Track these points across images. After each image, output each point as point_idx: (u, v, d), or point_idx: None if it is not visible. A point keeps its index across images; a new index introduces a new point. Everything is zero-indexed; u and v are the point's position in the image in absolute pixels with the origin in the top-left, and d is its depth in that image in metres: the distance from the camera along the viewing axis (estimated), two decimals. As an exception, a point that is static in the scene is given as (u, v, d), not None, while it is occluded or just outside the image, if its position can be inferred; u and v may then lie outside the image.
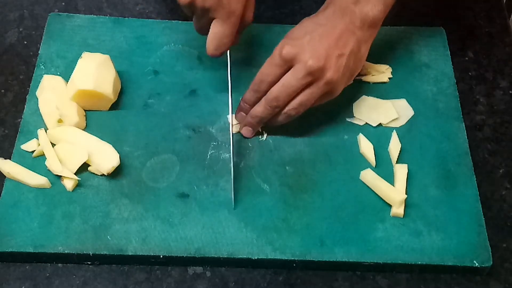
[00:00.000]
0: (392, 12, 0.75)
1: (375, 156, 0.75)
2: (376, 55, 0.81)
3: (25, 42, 0.85)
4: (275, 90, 0.71)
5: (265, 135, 0.76)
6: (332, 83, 0.71)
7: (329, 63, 0.69)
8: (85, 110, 0.77)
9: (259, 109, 0.73)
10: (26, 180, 0.71)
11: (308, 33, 0.71)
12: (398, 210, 0.71)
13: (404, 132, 0.78)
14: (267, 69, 0.71)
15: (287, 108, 0.72)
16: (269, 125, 0.76)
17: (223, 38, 0.71)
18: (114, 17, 0.86)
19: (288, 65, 0.70)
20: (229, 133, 0.75)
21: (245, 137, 0.76)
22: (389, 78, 0.82)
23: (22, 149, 0.74)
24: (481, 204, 0.73)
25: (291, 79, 0.70)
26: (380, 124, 0.78)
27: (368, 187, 0.73)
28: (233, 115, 0.76)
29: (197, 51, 0.83)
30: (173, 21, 0.86)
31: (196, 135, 0.77)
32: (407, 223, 0.71)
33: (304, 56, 0.69)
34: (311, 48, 0.69)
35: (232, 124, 0.75)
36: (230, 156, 0.74)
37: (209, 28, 0.72)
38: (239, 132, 0.76)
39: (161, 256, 0.68)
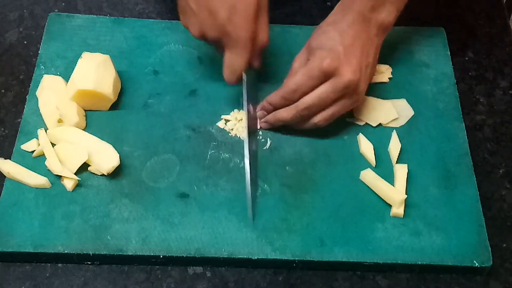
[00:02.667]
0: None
1: (375, 156, 0.75)
2: (376, 55, 0.81)
3: (25, 42, 0.85)
4: (308, 100, 0.70)
5: (268, 143, 0.76)
6: (361, 93, 0.72)
7: (362, 75, 0.70)
8: (85, 110, 0.77)
9: (286, 114, 0.73)
10: (26, 180, 0.71)
11: (339, 44, 0.70)
12: (398, 210, 0.71)
13: (404, 132, 0.78)
14: (304, 80, 0.70)
15: (317, 119, 0.72)
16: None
17: (233, 65, 0.72)
18: (114, 17, 0.86)
19: (326, 78, 0.69)
20: (245, 155, 0.73)
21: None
22: (389, 78, 0.82)
23: (22, 149, 0.74)
24: (481, 204, 0.73)
25: (328, 92, 0.70)
26: (380, 124, 0.78)
27: (368, 187, 0.73)
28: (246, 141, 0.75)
29: (197, 51, 0.83)
30: (173, 21, 0.86)
31: (196, 135, 0.77)
32: (407, 223, 0.71)
33: (343, 70, 0.68)
34: (348, 61, 0.69)
35: (247, 151, 0.73)
36: (230, 156, 0.75)
37: None
38: (237, 135, 0.77)
39: (161, 256, 0.68)
